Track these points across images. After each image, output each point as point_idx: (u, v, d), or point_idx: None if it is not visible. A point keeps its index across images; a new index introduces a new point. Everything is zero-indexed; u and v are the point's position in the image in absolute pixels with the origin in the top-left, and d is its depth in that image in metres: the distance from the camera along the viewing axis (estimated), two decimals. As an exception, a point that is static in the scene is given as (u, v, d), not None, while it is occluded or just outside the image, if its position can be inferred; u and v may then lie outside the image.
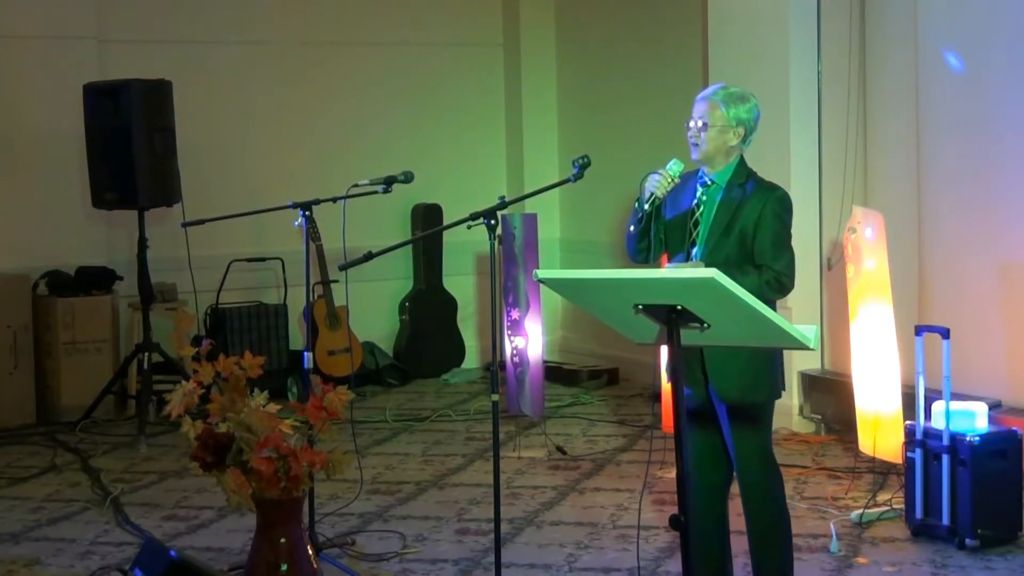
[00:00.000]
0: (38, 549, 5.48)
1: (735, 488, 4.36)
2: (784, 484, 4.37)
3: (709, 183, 4.26)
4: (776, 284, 4.14)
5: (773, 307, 4.14)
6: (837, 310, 6.84)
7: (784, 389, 4.32)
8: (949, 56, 6.19)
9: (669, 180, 4.16)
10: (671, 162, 4.18)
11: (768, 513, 4.27)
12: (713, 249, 4.18)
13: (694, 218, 4.25)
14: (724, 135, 4.20)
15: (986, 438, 5.19)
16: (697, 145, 4.22)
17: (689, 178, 4.30)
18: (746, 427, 4.20)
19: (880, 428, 5.81)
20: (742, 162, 4.27)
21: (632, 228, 4.25)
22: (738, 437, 4.21)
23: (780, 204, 4.20)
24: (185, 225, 6.20)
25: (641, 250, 4.31)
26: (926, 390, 5.34)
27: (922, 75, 6.67)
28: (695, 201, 4.26)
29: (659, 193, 4.16)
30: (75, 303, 7.99)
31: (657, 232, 4.27)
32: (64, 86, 8.05)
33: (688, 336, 3.30)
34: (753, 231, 4.16)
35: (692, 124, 4.22)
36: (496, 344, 4.61)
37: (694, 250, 4.22)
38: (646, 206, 4.17)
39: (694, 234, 4.24)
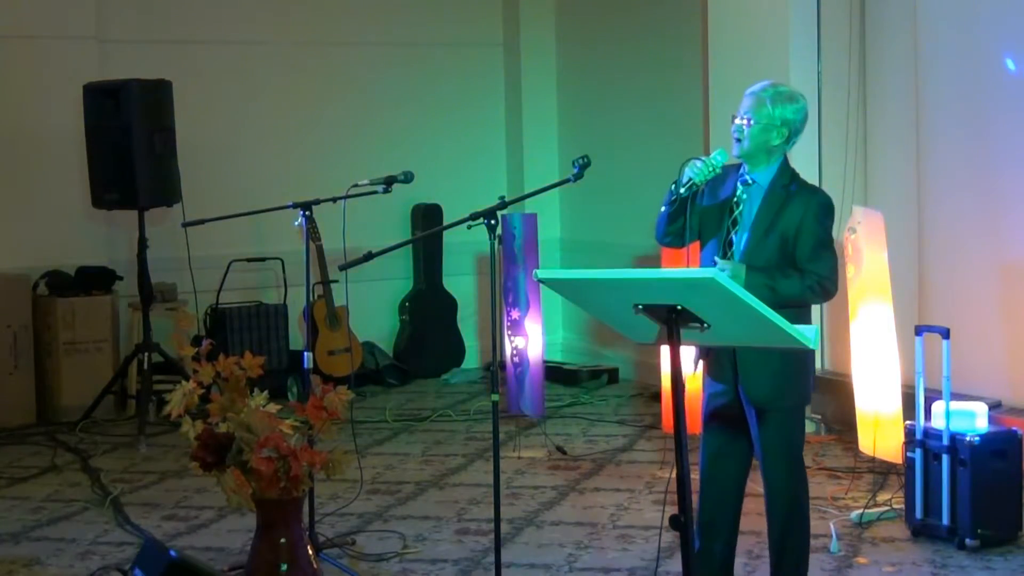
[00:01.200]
0: (38, 549, 5.48)
1: (750, 488, 4.35)
2: (809, 491, 4.33)
3: (750, 182, 4.19)
4: (819, 288, 4.09)
5: (809, 312, 4.12)
6: (837, 310, 6.83)
7: (814, 392, 4.27)
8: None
9: (711, 169, 4.07)
10: (716, 152, 4.12)
11: (790, 518, 4.23)
12: (753, 250, 4.12)
13: (732, 216, 4.19)
14: (767, 133, 4.13)
15: (986, 438, 5.19)
16: (740, 141, 4.15)
17: (730, 172, 4.23)
18: (774, 431, 4.16)
19: (880, 428, 5.81)
20: (785, 163, 4.20)
21: (664, 208, 4.18)
22: (766, 440, 4.17)
23: (823, 208, 4.15)
24: (185, 225, 6.20)
25: (670, 233, 4.22)
26: (926, 390, 5.34)
27: (922, 75, 6.67)
28: (735, 199, 4.20)
29: (698, 180, 4.06)
30: (75, 303, 7.99)
31: (691, 221, 4.17)
32: (64, 86, 8.05)
33: (688, 336, 3.30)
34: (795, 234, 4.10)
35: (738, 119, 4.15)
36: (496, 344, 4.61)
37: (731, 250, 4.16)
38: (682, 190, 4.08)
39: (731, 233, 4.18)
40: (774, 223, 4.12)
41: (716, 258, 4.15)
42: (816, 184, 4.33)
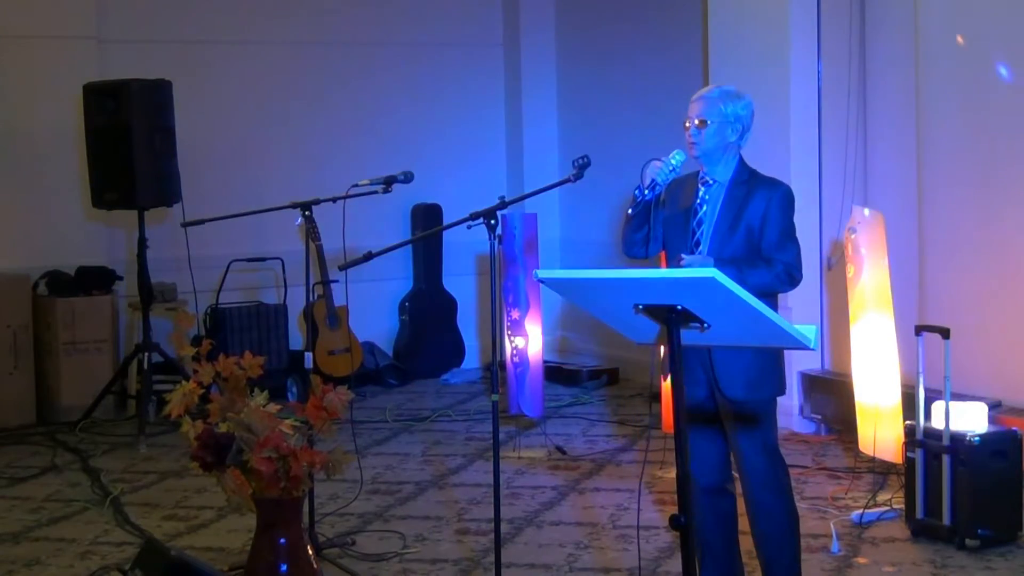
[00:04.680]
0: (38, 549, 5.48)
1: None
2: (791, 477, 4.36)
3: (711, 182, 4.26)
4: (786, 276, 4.15)
5: (775, 303, 4.15)
6: (837, 310, 6.84)
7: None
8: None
9: (670, 168, 4.13)
10: (674, 152, 4.16)
11: (778, 511, 4.24)
12: (719, 246, 4.17)
13: (697, 217, 4.24)
14: (723, 132, 4.20)
15: (986, 438, 5.19)
16: (696, 143, 4.22)
17: (689, 178, 4.30)
18: (752, 425, 4.19)
19: (880, 427, 5.81)
20: (742, 160, 4.28)
21: (629, 211, 4.21)
22: (744, 436, 4.19)
23: (786, 198, 4.22)
24: (185, 225, 6.20)
25: (636, 242, 4.28)
26: (926, 390, 5.35)
27: (922, 75, 6.67)
28: (697, 200, 4.25)
29: (659, 179, 4.11)
30: (75, 303, 7.98)
31: (656, 229, 4.25)
32: (64, 86, 8.05)
33: (688, 336, 3.29)
34: (760, 226, 4.17)
35: (689, 123, 4.22)
36: (496, 344, 4.61)
37: (699, 249, 4.21)
38: (646, 192, 4.13)
39: (698, 233, 4.23)
40: (739, 217, 4.19)
41: (682, 254, 4.18)
42: (797, 180, 4.35)
